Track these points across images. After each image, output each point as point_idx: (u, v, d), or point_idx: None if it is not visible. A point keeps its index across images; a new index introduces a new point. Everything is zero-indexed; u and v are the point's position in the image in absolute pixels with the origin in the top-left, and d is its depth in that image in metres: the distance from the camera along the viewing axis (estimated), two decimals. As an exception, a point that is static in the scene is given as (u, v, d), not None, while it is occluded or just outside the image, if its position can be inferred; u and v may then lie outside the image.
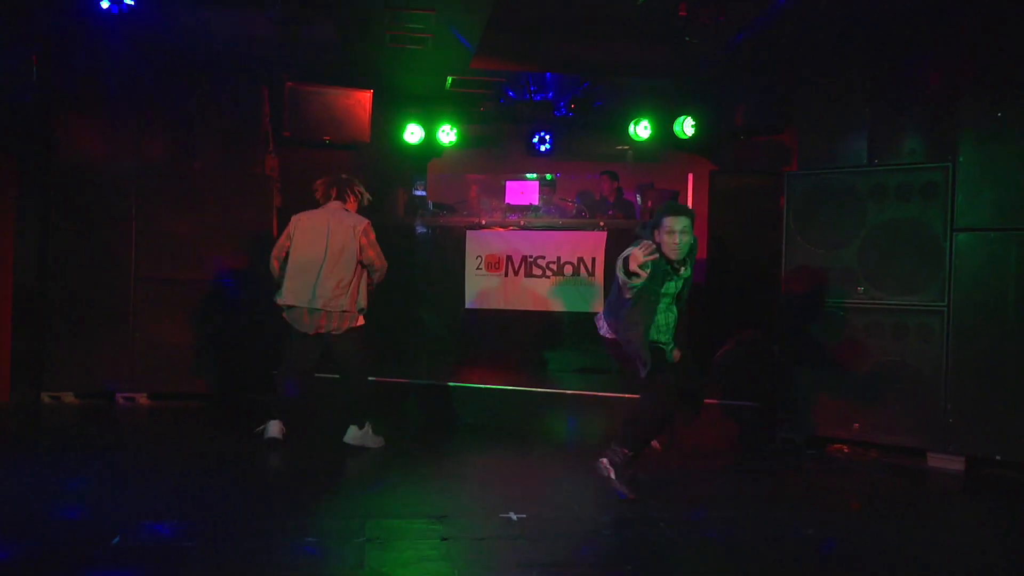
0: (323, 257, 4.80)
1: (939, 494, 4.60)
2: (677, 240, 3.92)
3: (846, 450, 5.22)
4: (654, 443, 4.44)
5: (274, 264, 4.95)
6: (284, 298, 4.87)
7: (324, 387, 5.29)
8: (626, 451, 4.06)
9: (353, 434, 4.95)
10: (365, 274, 4.96)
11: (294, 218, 4.94)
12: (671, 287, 4.07)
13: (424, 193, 8.39)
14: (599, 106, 8.35)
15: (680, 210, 4.00)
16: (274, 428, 4.93)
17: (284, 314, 4.93)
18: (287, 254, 4.89)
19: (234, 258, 6.17)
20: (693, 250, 4.12)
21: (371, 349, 5.08)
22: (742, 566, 3.38)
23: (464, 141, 8.60)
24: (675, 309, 4.16)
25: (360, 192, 5.04)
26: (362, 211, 5.06)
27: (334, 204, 4.94)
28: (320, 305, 4.80)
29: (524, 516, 3.76)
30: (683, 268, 4.08)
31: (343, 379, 5.00)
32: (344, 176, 5.04)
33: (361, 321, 4.96)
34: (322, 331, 4.85)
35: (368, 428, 4.97)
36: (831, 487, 4.62)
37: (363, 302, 4.95)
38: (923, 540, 3.77)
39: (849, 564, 3.41)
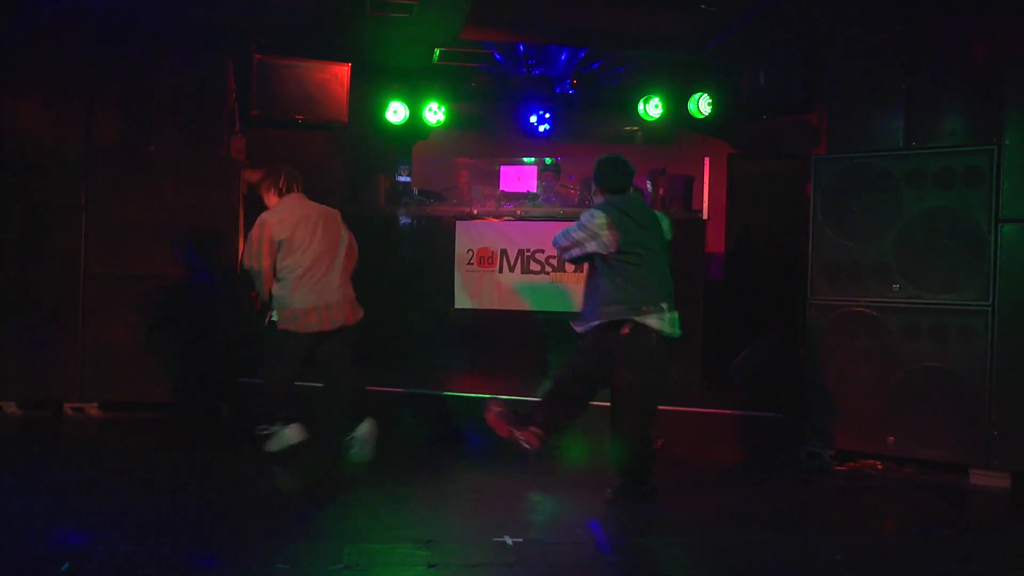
0: (324, 250, 4.87)
1: (982, 514, 4.65)
2: None
3: (879, 466, 5.25)
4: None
5: (266, 274, 4.85)
6: (293, 306, 4.81)
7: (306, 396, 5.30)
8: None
9: (370, 426, 4.93)
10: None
11: (271, 220, 4.82)
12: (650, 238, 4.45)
13: (408, 179, 8.38)
14: (604, 81, 8.36)
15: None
16: (295, 431, 4.90)
17: (283, 324, 4.85)
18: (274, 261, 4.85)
19: (196, 251, 6.18)
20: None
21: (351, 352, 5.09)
22: (763, 594, 3.41)
23: (453, 121, 8.59)
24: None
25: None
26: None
27: (299, 196, 4.96)
28: (331, 300, 4.86)
29: (520, 540, 3.78)
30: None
31: (335, 383, 5.01)
32: (289, 167, 5.07)
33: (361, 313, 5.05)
34: (338, 325, 4.89)
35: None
36: (862, 506, 4.66)
37: None
38: (964, 566, 3.80)
39: (881, 592, 3.45)
